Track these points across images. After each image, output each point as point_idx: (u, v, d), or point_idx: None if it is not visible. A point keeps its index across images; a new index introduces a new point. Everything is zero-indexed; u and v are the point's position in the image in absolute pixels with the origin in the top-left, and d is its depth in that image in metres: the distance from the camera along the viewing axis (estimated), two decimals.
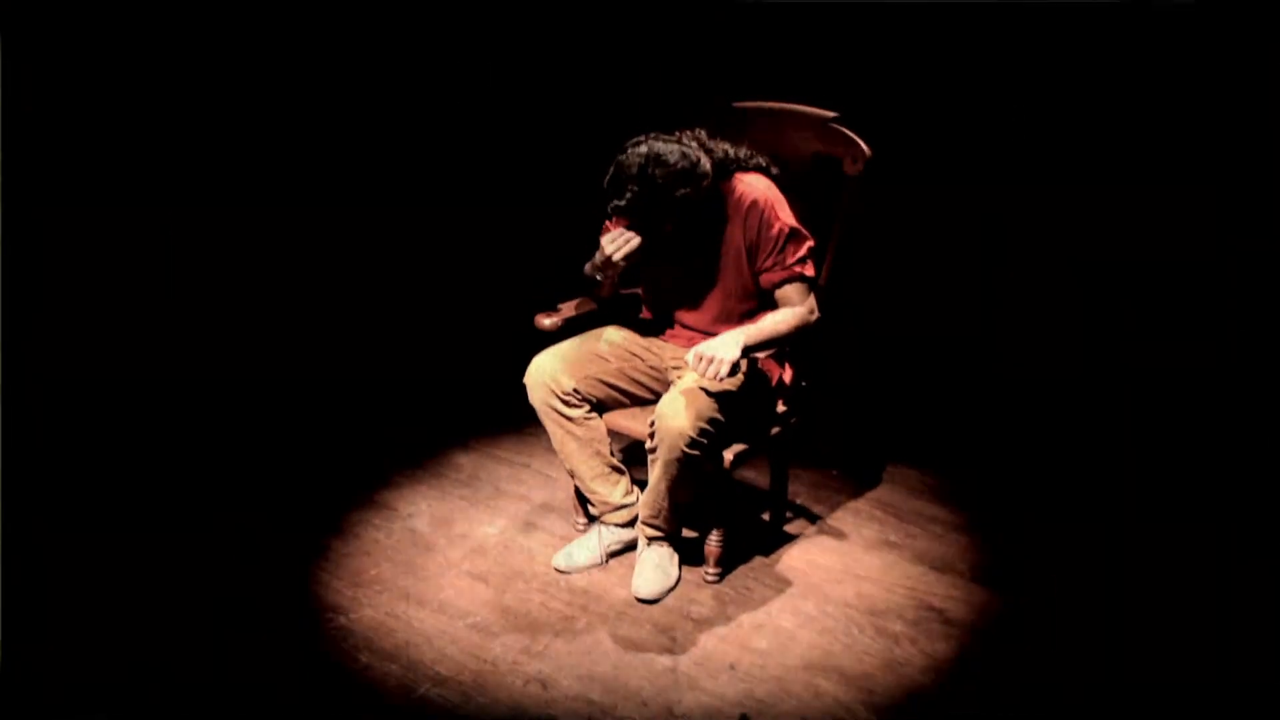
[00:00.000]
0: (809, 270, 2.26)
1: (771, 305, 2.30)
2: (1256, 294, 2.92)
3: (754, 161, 2.32)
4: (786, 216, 2.25)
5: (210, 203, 3.60)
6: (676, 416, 2.15)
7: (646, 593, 2.35)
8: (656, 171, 2.12)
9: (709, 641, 2.22)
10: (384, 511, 2.73)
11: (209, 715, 2.00)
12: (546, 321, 2.43)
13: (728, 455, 2.26)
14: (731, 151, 2.29)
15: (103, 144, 3.36)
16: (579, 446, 2.40)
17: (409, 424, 3.21)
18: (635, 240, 2.23)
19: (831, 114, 2.43)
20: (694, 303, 2.39)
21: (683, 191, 2.14)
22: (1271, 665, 2.11)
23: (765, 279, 2.27)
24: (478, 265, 3.84)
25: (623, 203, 2.14)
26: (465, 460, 3.01)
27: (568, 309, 2.47)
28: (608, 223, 2.34)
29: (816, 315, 2.28)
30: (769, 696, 2.05)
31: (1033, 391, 3.30)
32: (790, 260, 2.24)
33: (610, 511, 2.48)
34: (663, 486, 2.26)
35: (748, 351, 2.14)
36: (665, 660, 2.16)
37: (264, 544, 2.57)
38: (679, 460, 2.18)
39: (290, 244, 3.76)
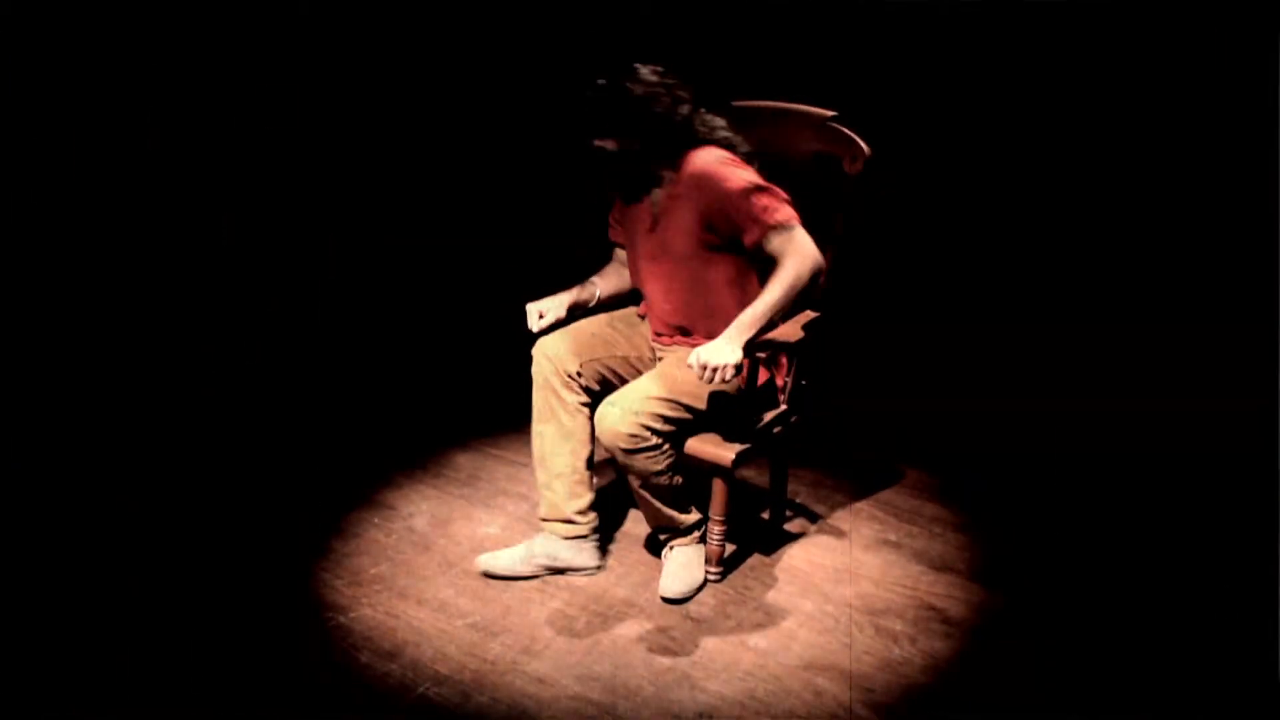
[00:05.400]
0: (785, 216, 2.14)
1: (742, 279, 2.26)
2: None
3: (720, 135, 2.26)
4: (745, 175, 2.17)
5: (211, 204, 3.61)
6: (609, 418, 2.16)
7: (673, 592, 2.32)
8: (629, 83, 2.18)
9: (709, 641, 2.22)
10: (384, 511, 2.73)
11: (209, 714, 2.00)
12: (536, 325, 2.41)
13: (729, 455, 2.25)
14: (707, 125, 2.25)
15: (101, 145, 3.37)
16: (558, 434, 2.36)
17: (409, 424, 3.22)
18: (549, 316, 2.35)
19: (831, 113, 2.43)
20: (668, 296, 2.37)
21: (651, 110, 2.17)
22: (1269, 662, 2.11)
23: (747, 241, 2.18)
24: (476, 265, 3.84)
25: (591, 94, 2.18)
26: (465, 460, 3.01)
27: (558, 311, 2.43)
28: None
29: (814, 260, 2.14)
30: (769, 696, 2.05)
31: (1032, 390, 3.30)
32: (759, 213, 2.14)
33: (556, 522, 2.39)
34: (636, 488, 2.27)
35: (749, 345, 2.13)
36: (665, 660, 2.16)
37: (264, 543, 2.57)
38: (624, 464, 2.20)
39: (290, 244, 3.77)
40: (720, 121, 2.30)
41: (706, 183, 2.19)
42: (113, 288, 3.45)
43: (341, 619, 2.28)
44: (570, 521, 2.39)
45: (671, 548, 2.40)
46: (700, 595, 2.37)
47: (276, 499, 2.77)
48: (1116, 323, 3.40)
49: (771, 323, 2.17)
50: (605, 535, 2.62)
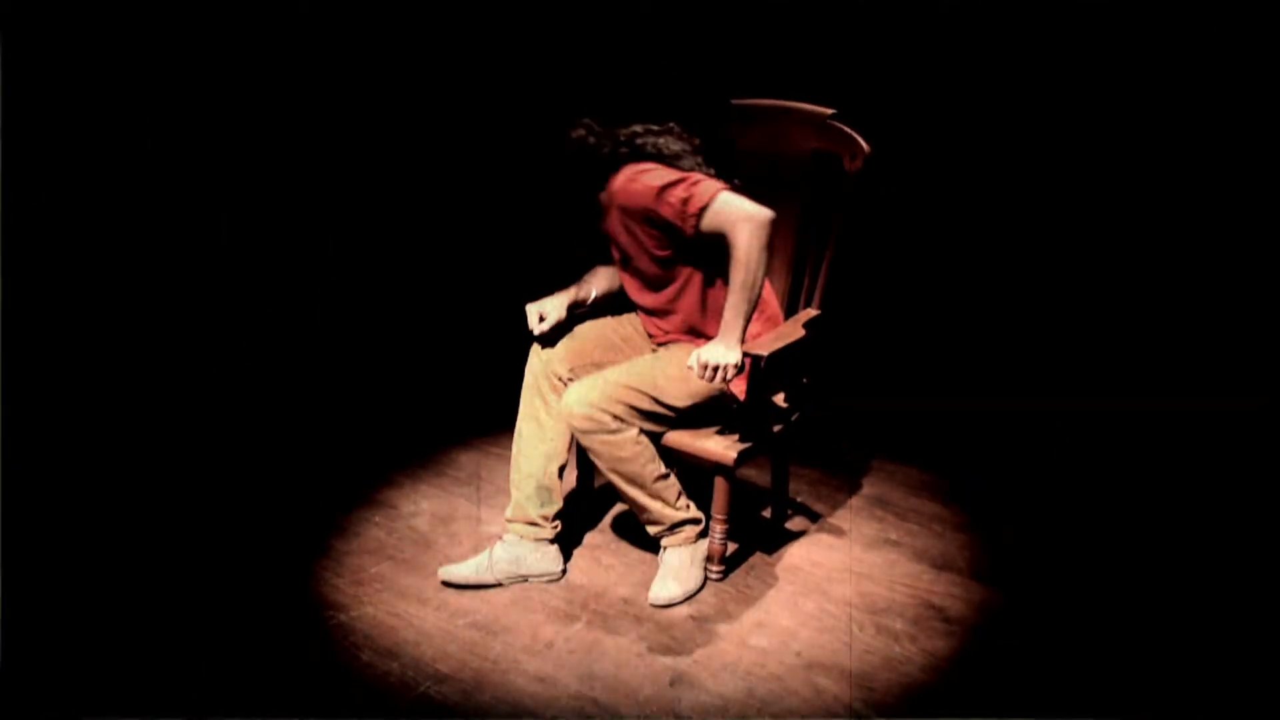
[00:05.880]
0: (704, 196, 2.11)
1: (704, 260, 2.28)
2: None
3: (638, 144, 2.24)
4: (651, 179, 2.16)
5: (211, 204, 3.61)
6: (570, 396, 2.21)
7: (657, 597, 2.32)
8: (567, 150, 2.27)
9: (709, 640, 2.22)
10: (385, 510, 2.73)
11: (210, 713, 2.00)
12: (537, 328, 2.42)
13: (731, 454, 2.26)
14: (620, 142, 2.25)
15: (101, 145, 3.37)
16: (536, 435, 2.37)
17: (410, 423, 3.22)
18: (550, 318, 2.37)
19: (830, 111, 2.43)
20: (659, 312, 2.41)
21: (567, 157, 2.27)
22: (1272, 661, 2.11)
23: (688, 237, 2.17)
24: (476, 265, 3.84)
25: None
26: (466, 458, 3.01)
27: (558, 312, 2.44)
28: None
29: (754, 219, 2.08)
30: (769, 695, 2.05)
31: (1032, 389, 3.31)
32: (681, 208, 2.12)
33: (520, 523, 2.38)
34: (608, 474, 2.27)
35: (744, 337, 2.16)
36: (666, 659, 2.16)
37: (266, 542, 2.57)
38: (585, 446, 2.23)
39: (290, 244, 3.76)
40: (635, 128, 2.27)
41: (625, 206, 2.22)
42: (113, 288, 3.45)
43: (343, 618, 2.28)
44: (534, 524, 2.38)
45: (665, 548, 2.38)
46: (701, 594, 2.37)
47: (278, 498, 2.77)
48: (1117, 322, 3.41)
49: (752, 307, 2.15)
50: (605, 536, 2.62)
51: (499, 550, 2.39)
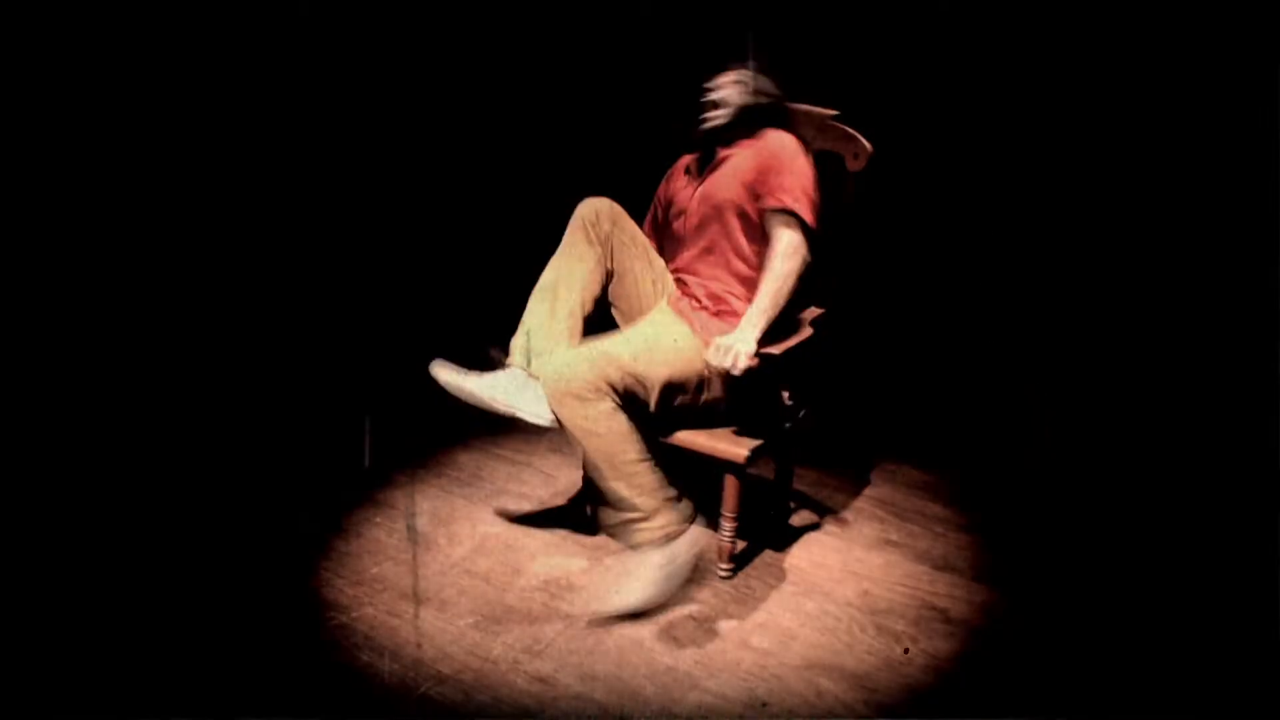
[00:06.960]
0: (805, 212, 2.25)
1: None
2: None
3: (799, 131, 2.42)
4: (808, 165, 2.30)
5: (211, 199, 3.61)
6: (552, 361, 2.24)
7: (613, 605, 2.27)
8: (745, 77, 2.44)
9: (710, 640, 2.22)
10: (385, 510, 2.73)
11: (210, 713, 2.00)
12: None
13: (742, 452, 2.25)
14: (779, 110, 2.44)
15: (101, 145, 3.37)
16: (578, 266, 2.44)
17: (411, 422, 3.21)
18: None
19: (832, 111, 2.43)
20: (699, 254, 2.43)
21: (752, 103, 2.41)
22: (1271, 662, 2.11)
23: (763, 203, 2.30)
24: (477, 263, 3.84)
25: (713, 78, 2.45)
26: (466, 459, 3.01)
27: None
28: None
29: (805, 260, 2.27)
30: (770, 695, 2.05)
31: (1033, 389, 3.30)
32: (789, 192, 2.26)
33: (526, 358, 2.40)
34: (585, 458, 2.25)
35: (762, 334, 2.20)
36: (666, 659, 2.15)
37: (266, 542, 2.57)
38: (557, 414, 2.21)
39: (291, 242, 3.76)
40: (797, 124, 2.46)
41: (776, 144, 2.32)
42: (113, 288, 3.45)
43: (343, 618, 2.28)
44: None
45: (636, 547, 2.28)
46: (701, 594, 2.36)
47: (278, 498, 2.77)
48: (1118, 322, 3.40)
49: (779, 309, 2.25)
50: (606, 536, 2.62)
51: (504, 377, 2.36)
